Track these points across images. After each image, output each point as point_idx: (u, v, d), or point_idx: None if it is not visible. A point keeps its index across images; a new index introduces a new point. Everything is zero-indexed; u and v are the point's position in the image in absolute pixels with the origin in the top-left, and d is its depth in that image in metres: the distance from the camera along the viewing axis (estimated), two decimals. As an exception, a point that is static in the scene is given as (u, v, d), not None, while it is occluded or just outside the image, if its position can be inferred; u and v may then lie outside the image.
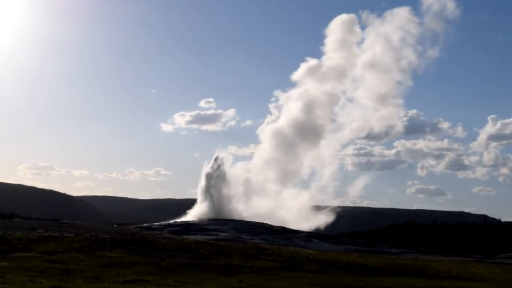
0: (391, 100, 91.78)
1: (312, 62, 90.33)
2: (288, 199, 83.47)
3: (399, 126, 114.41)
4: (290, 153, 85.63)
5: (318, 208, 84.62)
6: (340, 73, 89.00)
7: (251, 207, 77.68)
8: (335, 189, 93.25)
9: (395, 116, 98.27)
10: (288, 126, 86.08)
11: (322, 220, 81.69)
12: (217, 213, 72.24)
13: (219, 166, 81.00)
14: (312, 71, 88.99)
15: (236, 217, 69.19)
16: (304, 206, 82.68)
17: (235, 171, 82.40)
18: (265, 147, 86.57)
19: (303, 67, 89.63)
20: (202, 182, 79.93)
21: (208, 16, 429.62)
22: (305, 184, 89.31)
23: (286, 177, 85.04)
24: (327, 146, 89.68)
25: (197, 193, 79.99)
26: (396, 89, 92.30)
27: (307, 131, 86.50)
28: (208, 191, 78.56)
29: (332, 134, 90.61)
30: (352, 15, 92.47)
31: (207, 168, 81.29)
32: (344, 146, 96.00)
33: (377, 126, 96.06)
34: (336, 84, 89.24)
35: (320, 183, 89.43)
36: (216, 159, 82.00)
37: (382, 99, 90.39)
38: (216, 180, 79.62)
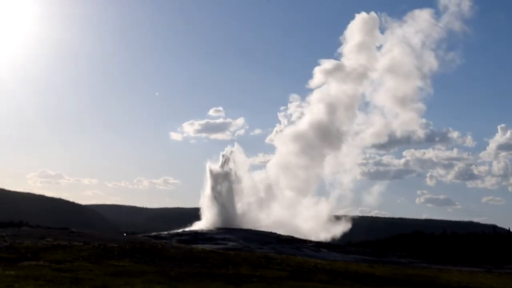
0: (412, 105, 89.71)
1: (328, 64, 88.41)
2: (304, 207, 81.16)
3: (420, 132, 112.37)
4: (309, 159, 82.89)
5: (332, 218, 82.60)
6: (360, 75, 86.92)
7: (265, 215, 75.41)
8: (345, 199, 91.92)
9: (415, 121, 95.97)
10: (307, 130, 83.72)
11: (339, 229, 79.79)
12: (226, 219, 69.89)
13: (227, 160, 76.85)
14: (331, 72, 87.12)
15: (248, 226, 67.74)
16: (320, 215, 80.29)
17: (248, 178, 79.45)
18: (282, 152, 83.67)
19: (322, 68, 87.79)
20: (208, 184, 75.00)
21: (217, 25, 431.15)
22: (318, 193, 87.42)
23: (304, 184, 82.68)
24: (348, 151, 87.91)
25: (202, 197, 75.41)
26: (416, 94, 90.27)
27: (328, 134, 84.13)
28: (215, 193, 74.21)
29: (352, 138, 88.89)
30: (373, 14, 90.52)
31: (215, 167, 76.69)
32: (366, 148, 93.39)
33: (398, 131, 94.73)
34: (356, 86, 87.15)
35: (335, 192, 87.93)
36: (223, 155, 77.80)
37: (402, 103, 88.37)
38: (224, 178, 75.79)
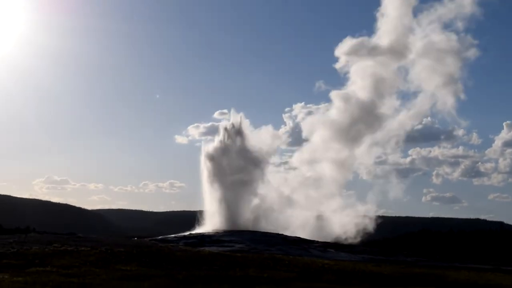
0: (447, 87, 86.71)
1: (351, 43, 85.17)
2: (335, 206, 78.07)
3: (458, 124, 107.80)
4: (343, 146, 78.53)
5: (365, 218, 79.93)
6: (394, 54, 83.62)
7: (290, 216, 72.30)
8: (357, 198, 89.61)
9: (450, 106, 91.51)
10: (341, 115, 79.86)
11: (368, 228, 77.61)
12: (235, 221, 67.57)
13: (233, 127, 68.16)
14: (356, 52, 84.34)
15: (265, 227, 66.04)
16: (351, 215, 77.50)
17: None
18: (314, 143, 79.15)
19: (348, 45, 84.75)
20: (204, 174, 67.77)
21: (221, 26, 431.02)
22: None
23: (337, 178, 78.85)
24: (383, 139, 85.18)
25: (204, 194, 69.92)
26: (452, 77, 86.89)
27: (364, 116, 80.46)
28: (214, 178, 67.52)
29: (390, 122, 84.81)
30: None
31: (210, 146, 68.12)
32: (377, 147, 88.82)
33: (433, 117, 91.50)
34: (390, 66, 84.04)
35: (355, 190, 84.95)
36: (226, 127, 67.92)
37: (438, 86, 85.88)
38: (227, 152, 67.51)
